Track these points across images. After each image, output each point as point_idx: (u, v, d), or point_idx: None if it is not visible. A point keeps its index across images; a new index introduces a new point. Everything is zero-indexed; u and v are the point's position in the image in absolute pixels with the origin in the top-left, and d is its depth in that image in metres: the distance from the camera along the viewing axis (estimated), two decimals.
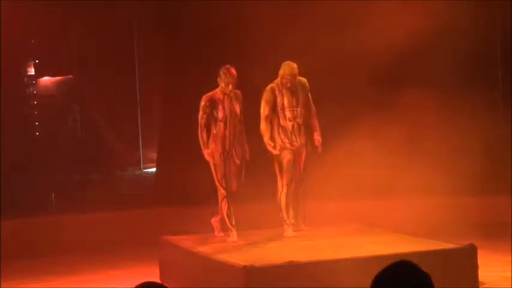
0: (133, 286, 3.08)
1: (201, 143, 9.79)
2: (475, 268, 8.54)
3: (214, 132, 9.69)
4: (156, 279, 9.75)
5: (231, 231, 9.72)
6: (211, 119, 9.70)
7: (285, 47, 12.01)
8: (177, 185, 13.93)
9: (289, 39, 12.94)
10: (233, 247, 9.37)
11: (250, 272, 7.92)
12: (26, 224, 13.40)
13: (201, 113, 9.76)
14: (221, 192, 9.70)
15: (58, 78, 17.37)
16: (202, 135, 9.76)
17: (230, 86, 9.64)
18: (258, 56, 11.66)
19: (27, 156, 15.59)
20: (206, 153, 9.69)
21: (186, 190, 13.42)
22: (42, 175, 15.56)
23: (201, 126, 9.75)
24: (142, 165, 17.68)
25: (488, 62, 14.87)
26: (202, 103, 9.75)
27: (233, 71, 9.70)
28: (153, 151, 16.86)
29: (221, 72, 9.74)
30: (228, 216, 9.69)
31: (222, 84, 9.70)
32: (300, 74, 9.80)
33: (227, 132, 9.68)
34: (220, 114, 9.64)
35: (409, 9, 12.76)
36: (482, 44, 14.32)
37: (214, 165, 9.68)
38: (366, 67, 13.66)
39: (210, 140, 9.71)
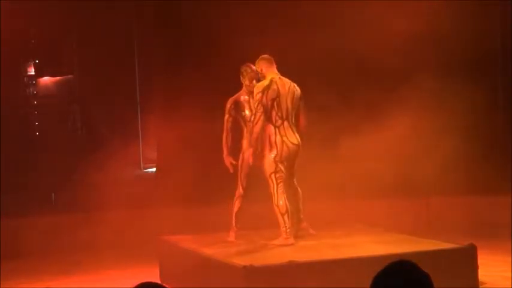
0: (133, 286, 3.08)
1: (224, 148, 9.69)
2: (475, 268, 8.54)
3: (245, 132, 9.61)
4: (156, 279, 9.75)
5: (232, 230, 9.74)
6: (240, 121, 9.64)
7: (287, 46, 12.01)
8: (177, 185, 13.93)
9: (290, 39, 12.95)
10: (233, 247, 9.37)
11: (250, 272, 7.91)
12: (26, 224, 13.40)
13: (226, 115, 9.68)
14: (239, 191, 9.70)
15: (58, 78, 17.37)
16: (227, 139, 9.66)
17: (254, 82, 9.59)
18: (260, 55, 11.64)
19: (27, 156, 15.60)
20: (228, 160, 9.56)
21: (186, 190, 13.43)
22: (42, 175, 15.56)
23: (226, 130, 9.67)
24: (142, 165, 17.68)
25: (488, 62, 14.87)
26: (228, 105, 9.67)
27: (253, 67, 9.64)
28: (153, 151, 16.86)
29: (242, 70, 9.62)
30: (236, 215, 9.70)
31: (246, 82, 9.64)
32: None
33: None
34: (249, 114, 9.56)
35: (408, 9, 12.77)
36: (482, 44, 14.32)
37: (241, 165, 9.61)
38: (365, 67, 13.68)
39: (244, 140, 9.65)
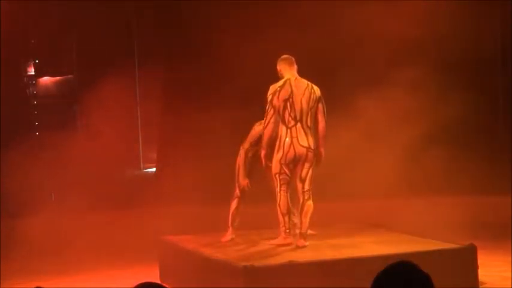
0: (133, 286, 3.08)
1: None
2: (475, 268, 8.54)
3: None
4: (156, 279, 9.75)
5: (228, 230, 9.76)
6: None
7: (287, 44, 12.00)
8: (177, 185, 13.94)
9: (290, 37, 12.95)
10: (233, 247, 9.37)
11: (250, 272, 7.91)
12: (26, 224, 13.40)
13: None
14: (236, 192, 9.73)
15: (58, 78, 17.37)
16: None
17: None
18: (260, 55, 11.64)
19: (27, 156, 15.58)
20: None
21: (186, 190, 13.43)
22: (42, 175, 15.56)
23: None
24: (142, 165, 17.68)
25: (488, 62, 14.87)
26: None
27: None
28: (153, 151, 16.86)
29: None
30: (232, 215, 9.72)
31: None
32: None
33: None
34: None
35: (407, 9, 12.77)
36: (482, 44, 14.32)
37: (238, 166, 9.64)
38: (366, 68, 13.68)
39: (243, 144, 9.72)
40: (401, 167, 12.83)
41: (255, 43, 12.88)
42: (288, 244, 9.05)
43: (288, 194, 9.04)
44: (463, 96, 13.42)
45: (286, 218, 9.04)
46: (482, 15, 14.21)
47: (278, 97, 8.96)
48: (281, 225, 9.11)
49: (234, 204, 9.74)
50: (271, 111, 8.98)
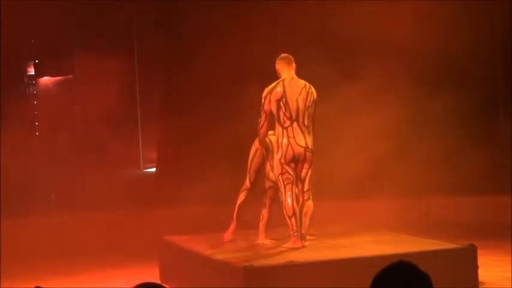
0: (133, 286, 3.08)
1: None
2: (475, 268, 8.54)
3: None
4: (156, 279, 9.76)
5: (232, 223, 9.71)
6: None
7: (287, 44, 12.01)
8: (177, 185, 13.94)
9: (291, 37, 12.96)
10: (233, 247, 9.37)
11: (250, 272, 7.91)
12: (26, 224, 13.40)
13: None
14: (246, 184, 9.68)
15: (58, 78, 17.38)
16: None
17: None
18: (260, 54, 11.64)
19: (27, 156, 15.60)
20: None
21: (185, 190, 13.43)
22: (42, 175, 15.57)
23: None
24: (142, 165, 17.69)
25: (488, 61, 14.87)
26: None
27: None
28: (153, 151, 16.87)
29: None
30: (239, 206, 9.66)
31: None
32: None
33: None
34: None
35: (407, 10, 12.78)
36: (482, 43, 14.33)
37: (252, 159, 9.64)
38: (368, 70, 13.67)
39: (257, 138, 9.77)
40: (401, 167, 12.83)
41: (257, 44, 12.89)
42: (298, 248, 8.88)
43: (293, 195, 8.88)
44: (463, 96, 13.43)
45: (293, 220, 8.86)
46: (481, 15, 14.21)
47: (270, 100, 8.92)
48: (289, 229, 8.98)
49: (242, 196, 9.65)
50: (263, 116, 8.96)
